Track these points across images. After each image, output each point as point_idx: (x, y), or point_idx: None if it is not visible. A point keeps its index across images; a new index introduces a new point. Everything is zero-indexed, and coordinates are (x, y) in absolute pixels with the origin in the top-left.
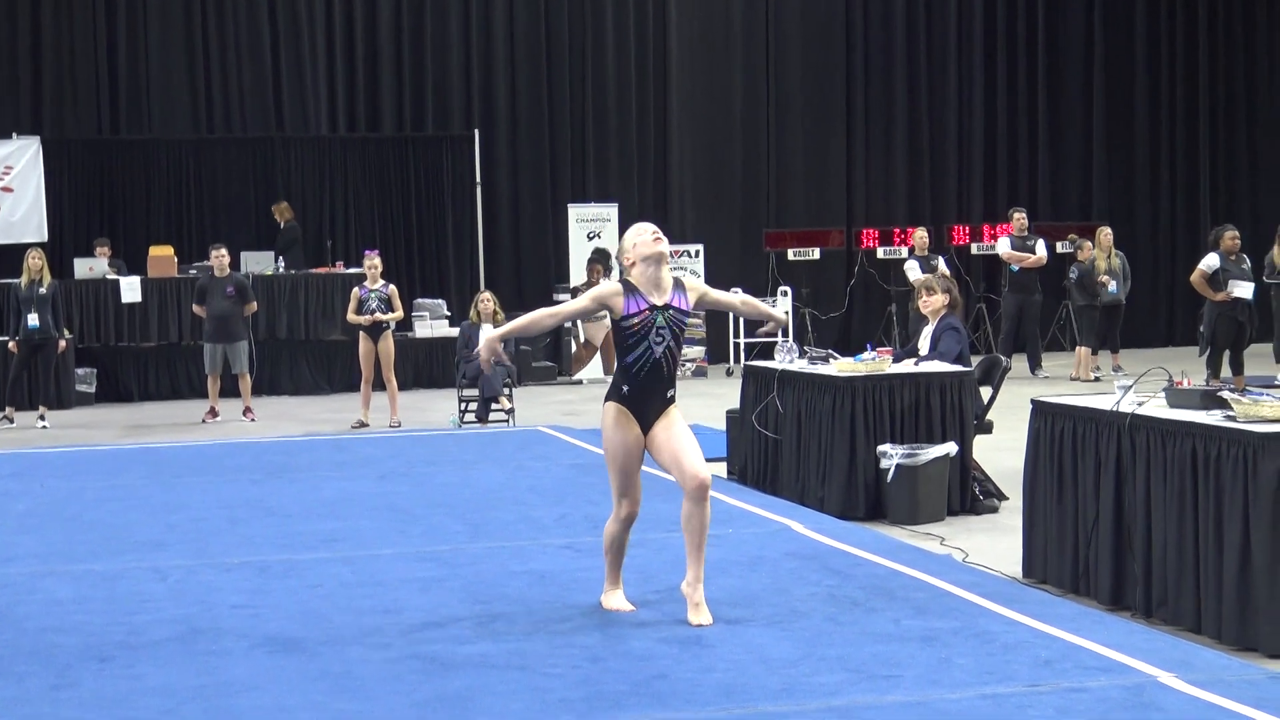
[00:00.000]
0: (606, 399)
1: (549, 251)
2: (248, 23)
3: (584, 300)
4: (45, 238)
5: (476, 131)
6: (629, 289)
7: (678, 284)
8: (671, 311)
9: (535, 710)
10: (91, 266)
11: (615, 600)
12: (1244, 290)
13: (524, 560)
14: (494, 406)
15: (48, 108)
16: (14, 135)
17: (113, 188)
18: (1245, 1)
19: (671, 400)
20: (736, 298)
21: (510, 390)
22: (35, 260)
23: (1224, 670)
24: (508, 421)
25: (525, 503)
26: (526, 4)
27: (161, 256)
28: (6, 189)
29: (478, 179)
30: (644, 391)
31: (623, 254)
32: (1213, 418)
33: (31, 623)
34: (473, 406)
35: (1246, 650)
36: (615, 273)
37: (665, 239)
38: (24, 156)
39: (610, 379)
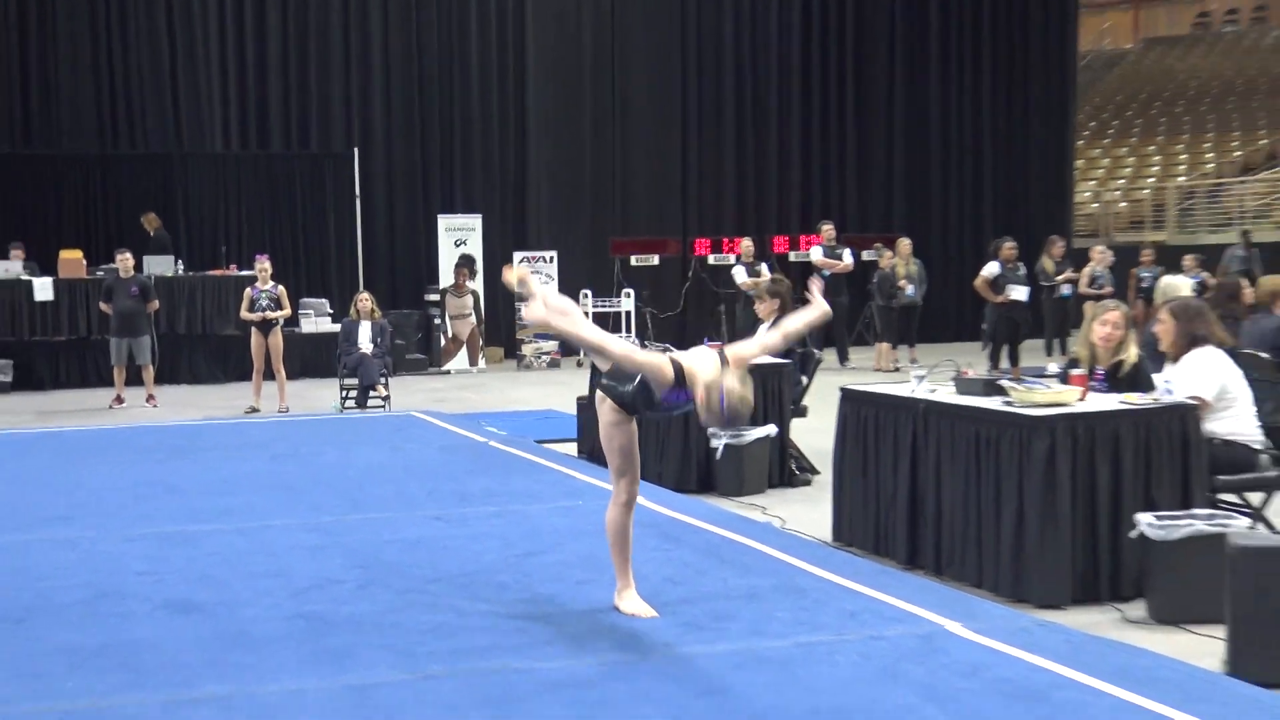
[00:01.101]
0: (604, 396)
1: (420, 257)
2: (149, 47)
3: (640, 358)
4: None
5: (356, 150)
6: (679, 382)
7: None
8: (679, 404)
9: (407, 662)
10: (6, 268)
11: (632, 603)
12: (1020, 294)
13: (397, 530)
14: (372, 394)
15: None
16: None
17: (25, 196)
18: (1017, 52)
19: None
20: (785, 330)
21: (386, 379)
22: None
23: (1001, 619)
24: (384, 407)
25: (399, 480)
26: (399, 33)
27: (71, 259)
28: None
29: (357, 192)
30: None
31: (704, 379)
32: (993, 403)
33: None
34: (353, 394)
35: (1020, 602)
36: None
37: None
38: None
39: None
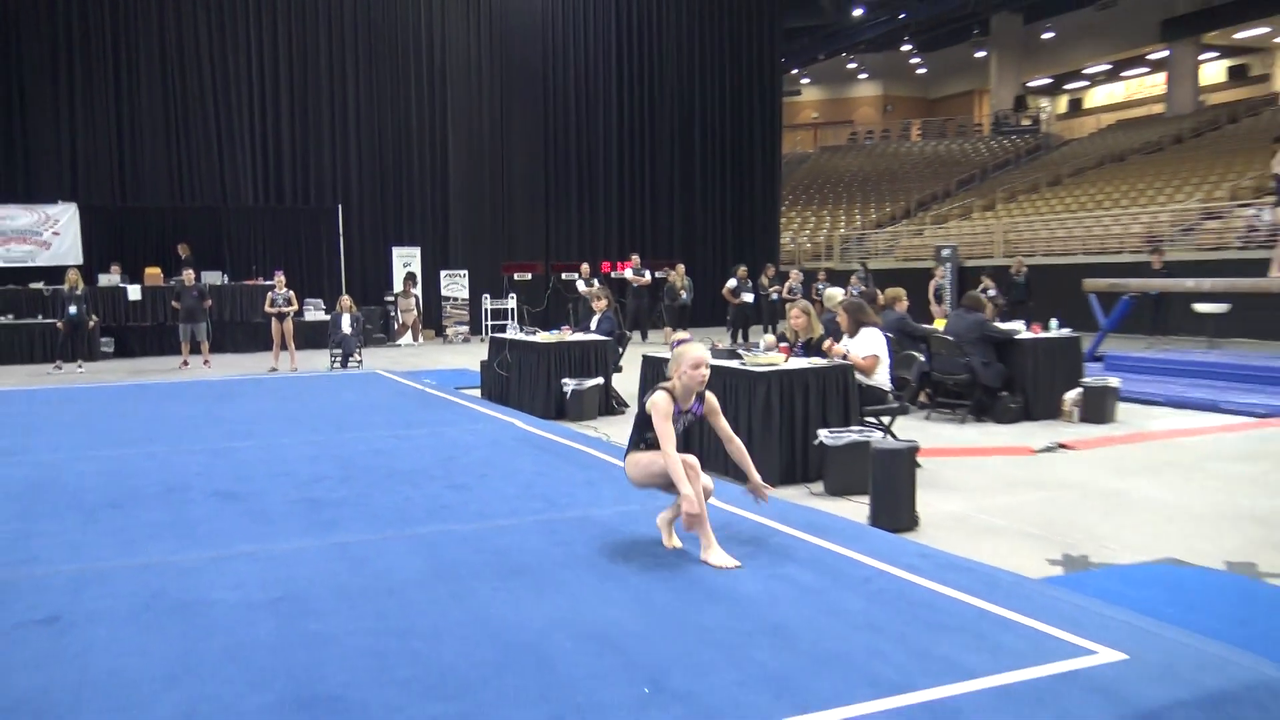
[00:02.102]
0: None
1: (381, 274)
2: (201, 129)
3: (664, 426)
4: (81, 261)
5: (340, 205)
6: (671, 396)
7: (700, 397)
8: (689, 415)
9: (373, 527)
10: (109, 279)
11: (718, 556)
12: (748, 298)
13: (367, 444)
14: (350, 360)
15: (80, 181)
16: (58, 201)
17: (122, 234)
18: (746, 152)
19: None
20: (731, 437)
21: (360, 350)
22: (73, 275)
23: (740, 494)
24: (359, 368)
25: (367, 413)
26: (368, 123)
27: (153, 273)
28: (56, 233)
29: (340, 231)
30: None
31: (676, 365)
32: (734, 364)
33: (69, 484)
34: (339, 360)
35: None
36: (417, 291)
37: (707, 369)
38: (65, 215)
39: (418, 343)
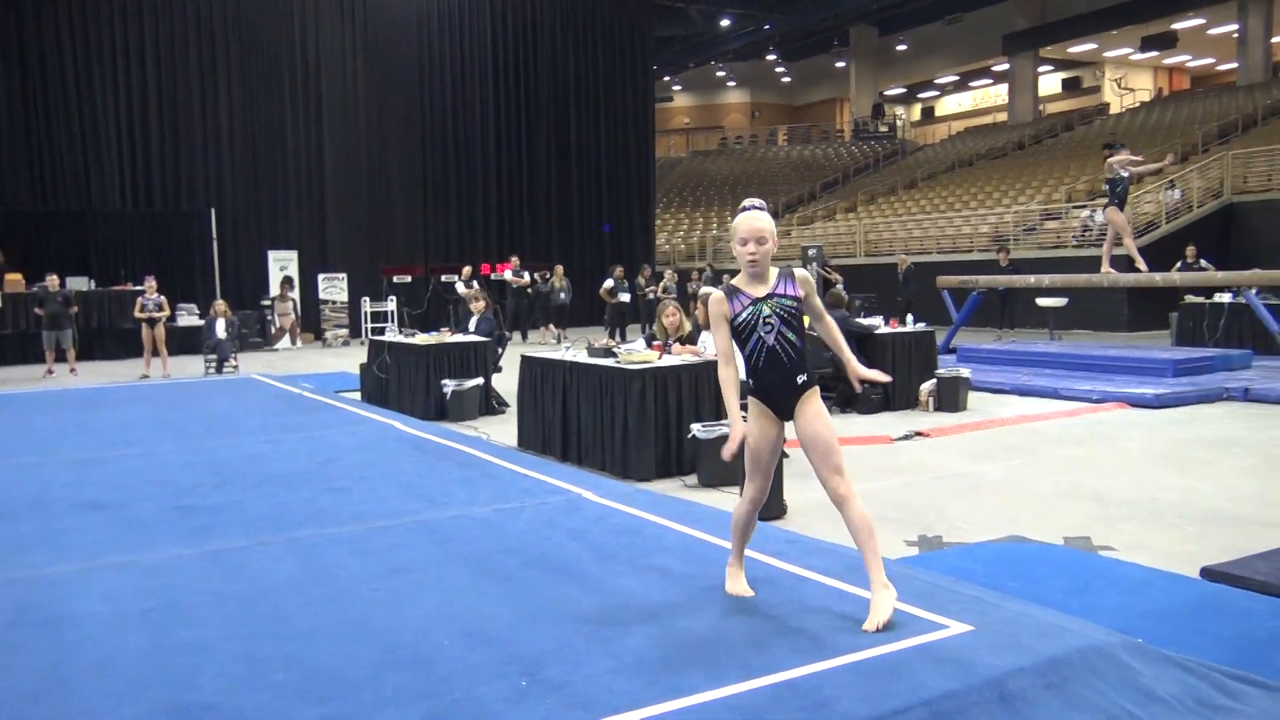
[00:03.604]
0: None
1: (257, 277)
2: (66, 131)
3: (717, 327)
4: None
5: (212, 209)
6: (731, 292)
7: (786, 274)
8: (775, 299)
9: (249, 533)
10: None
11: (738, 585)
12: (625, 298)
13: (242, 449)
14: (225, 364)
15: None
16: None
17: None
18: (622, 159)
19: (805, 386)
20: (833, 325)
21: (235, 354)
22: None
23: (615, 488)
24: (234, 373)
25: (243, 418)
26: (241, 124)
27: (14, 279)
28: None
29: (213, 235)
30: (767, 381)
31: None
32: (609, 361)
33: None
34: (214, 364)
35: (626, 478)
36: (293, 295)
37: (757, 235)
38: None
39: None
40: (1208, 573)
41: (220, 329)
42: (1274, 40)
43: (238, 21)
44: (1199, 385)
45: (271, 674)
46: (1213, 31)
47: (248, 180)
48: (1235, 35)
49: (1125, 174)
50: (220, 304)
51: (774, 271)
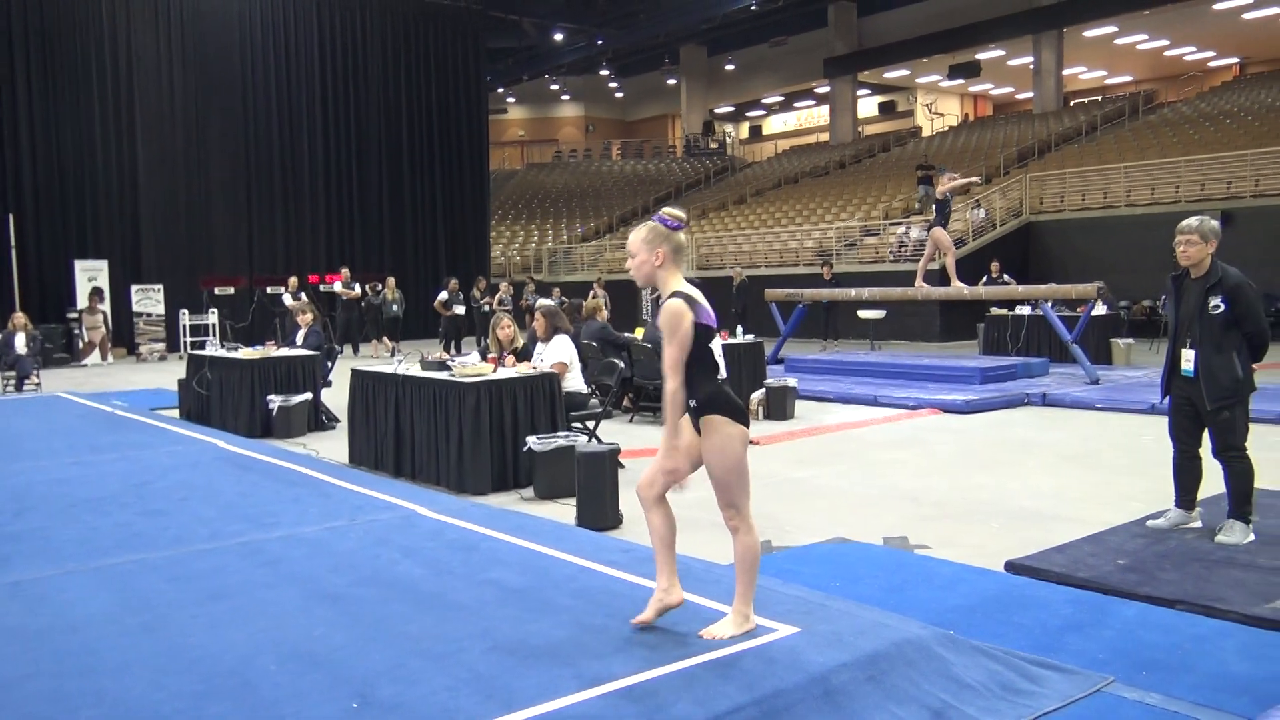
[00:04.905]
0: (714, 413)
1: (62, 289)
2: None
3: (680, 339)
4: None
5: (10, 215)
6: (690, 301)
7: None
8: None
9: (53, 562)
10: None
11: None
12: (459, 310)
13: (46, 473)
14: (26, 382)
15: None
16: None
17: None
18: (455, 171)
19: (695, 411)
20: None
21: (37, 371)
22: None
23: (451, 503)
24: (36, 391)
25: (48, 439)
26: (42, 128)
27: None
28: None
29: (10, 244)
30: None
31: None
32: (444, 375)
33: None
34: (12, 382)
35: (462, 492)
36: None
37: (629, 250)
38: None
39: (108, 362)
40: (1011, 566)
41: (20, 344)
42: (1065, 72)
43: (39, 25)
44: (1004, 391)
45: (80, 711)
46: (1011, 63)
47: (51, 187)
48: (1031, 67)
49: (950, 195)
50: (19, 317)
51: (676, 288)
